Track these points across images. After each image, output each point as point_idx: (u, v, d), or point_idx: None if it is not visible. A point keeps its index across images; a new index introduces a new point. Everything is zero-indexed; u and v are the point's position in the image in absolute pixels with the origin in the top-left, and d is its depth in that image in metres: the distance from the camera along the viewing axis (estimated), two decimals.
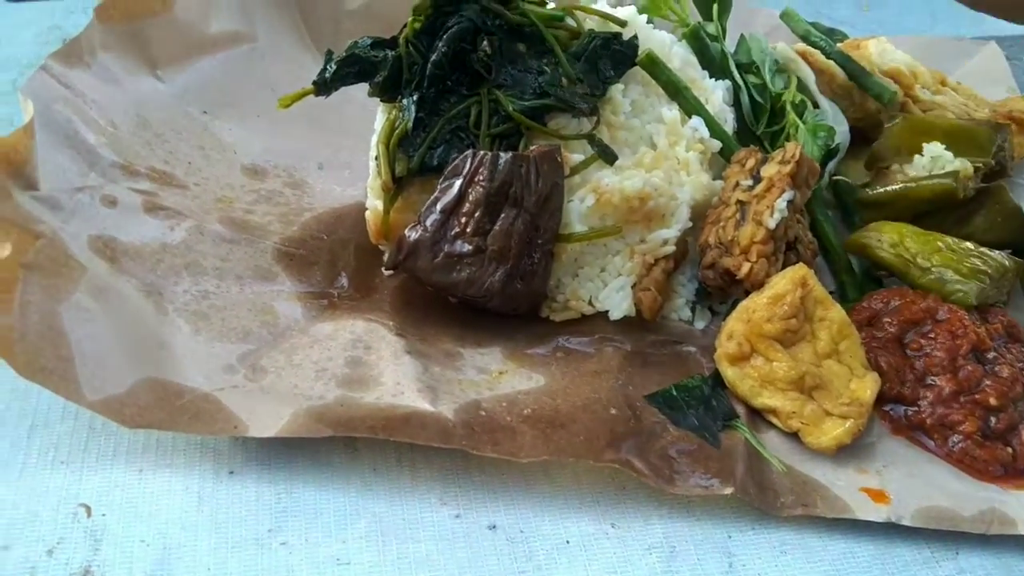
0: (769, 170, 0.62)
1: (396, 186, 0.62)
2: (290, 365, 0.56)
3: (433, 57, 0.63)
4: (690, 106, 0.67)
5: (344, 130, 0.75)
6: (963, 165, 0.68)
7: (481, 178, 0.59)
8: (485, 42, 0.63)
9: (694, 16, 0.77)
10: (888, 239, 0.64)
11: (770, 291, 0.57)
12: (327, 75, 0.64)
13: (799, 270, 0.58)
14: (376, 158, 0.64)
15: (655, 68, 0.67)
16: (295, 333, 0.58)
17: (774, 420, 0.56)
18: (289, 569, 0.47)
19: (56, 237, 0.55)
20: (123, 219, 0.60)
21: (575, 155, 0.63)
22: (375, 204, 0.65)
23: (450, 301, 0.63)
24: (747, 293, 0.62)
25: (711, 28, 0.75)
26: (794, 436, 0.56)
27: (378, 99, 0.65)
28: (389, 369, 0.56)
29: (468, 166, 0.59)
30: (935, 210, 0.67)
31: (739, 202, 0.62)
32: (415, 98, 0.63)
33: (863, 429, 0.56)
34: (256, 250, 0.63)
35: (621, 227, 0.62)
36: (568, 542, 0.50)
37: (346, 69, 0.64)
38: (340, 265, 0.65)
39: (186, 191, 0.66)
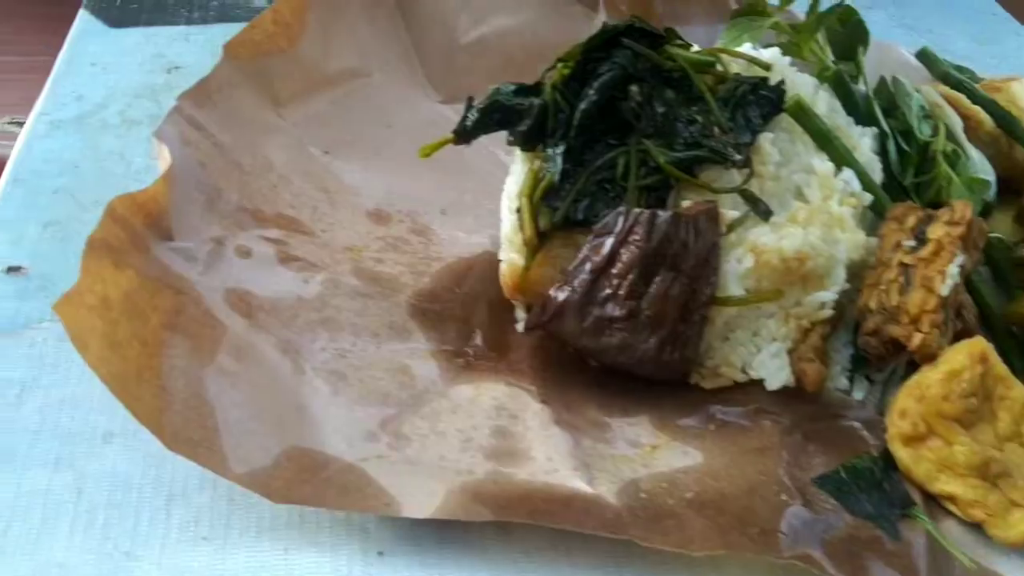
0: (936, 231, 0.57)
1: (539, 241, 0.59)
2: (434, 433, 0.52)
3: (582, 105, 0.59)
4: (839, 156, 0.63)
5: (465, 172, 0.71)
6: None
7: (636, 237, 0.55)
8: (635, 89, 0.60)
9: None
10: None
11: (945, 366, 0.53)
12: (468, 123, 0.61)
13: (977, 344, 0.54)
14: (517, 210, 0.60)
15: (803, 115, 0.62)
16: (434, 396, 0.55)
17: (952, 508, 0.52)
18: None
19: (195, 293, 0.52)
20: (258, 271, 0.57)
21: (730, 211, 0.59)
22: (512, 258, 0.61)
23: (590, 363, 0.59)
24: (910, 362, 0.59)
25: (848, 68, 0.71)
26: (975, 525, 0.52)
27: (517, 147, 0.62)
28: (538, 441, 0.52)
29: (621, 224, 0.56)
30: None
31: (902, 264, 0.57)
32: (562, 148, 0.59)
33: None
34: (391, 304, 0.60)
35: (783, 291, 0.58)
36: None
37: (488, 117, 0.61)
38: (474, 321, 0.61)
39: (314, 238, 0.63)
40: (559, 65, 0.62)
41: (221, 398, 0.48)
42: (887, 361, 0.59)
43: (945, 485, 0.52)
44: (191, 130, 0.60)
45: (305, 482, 0.48)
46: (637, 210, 0.56)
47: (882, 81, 0.72)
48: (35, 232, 0.65)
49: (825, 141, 0.63)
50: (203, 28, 0.89)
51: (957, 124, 0.70)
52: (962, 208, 0.58)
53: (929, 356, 0.55)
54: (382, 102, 0.75)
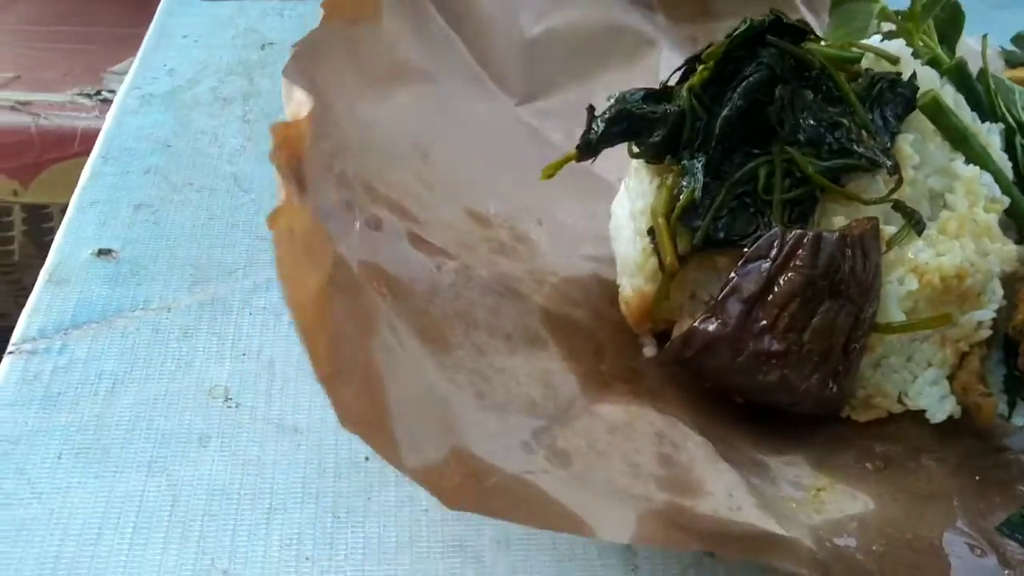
0: None
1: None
2: (595, 452, 0.46)
3: (725, 112, 0.53)
4: (977, 157, 0.57)
5: (552, 183, 0.62)
6: None
7: (799, 263, 0.48)
8: (781, 91, 0.54)
9: None
10: None
11: None
12: (593, 136, 0.55)
13: None
14: (650, 232, 0.54)
15: (940, 113, 0.56)
16: (582, 413, 0.49)
17: None
18: None
19: (343, 258, 0.44)
20: (389, 246, 0.51)
21: (889, 227, 0.53)
22: (637, 284, 0.55)
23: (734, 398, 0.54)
24: None
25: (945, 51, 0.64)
26: None
27: (642, 159, 0.56)
28: (710, 476, 0.46)
29: (778, 247, 0.49)
30: None
31: None
32: (703, 161, 0.53)
33: None
34: (525, 308, 0.54)
35: (951, 315, 0.52)
36: None
37: (615, 128, 0.55)
38: (600, 340, 0.55)
39: (423, 227, 0.56)
40: (699, 67, 0.56)
41: (389, 376, 0.41)
42: None
43: None
44: (311, 84, 0.52)
45: (471, 488, 0.40)
46: (798, 231, 0.50)
47: (983, 72, 0.64)
48: (126, 214, 0.61)
49: (962, 141, 0.57)
50: (297, 3, 0.85)
51: None
52: None
53: None
54: (456, 107, 0.69)
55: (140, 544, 0.44)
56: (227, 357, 0.53)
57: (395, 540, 0.45)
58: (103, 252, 0.58)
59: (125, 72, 2.02)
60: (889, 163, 0.53)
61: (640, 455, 0.47)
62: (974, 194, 0.56)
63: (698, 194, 0.53)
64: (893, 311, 0.52)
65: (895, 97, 0.56)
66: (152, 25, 0.80)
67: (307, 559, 0.44)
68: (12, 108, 1.76)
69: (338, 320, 0.40)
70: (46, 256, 0.61)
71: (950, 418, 0.53)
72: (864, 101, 0.56)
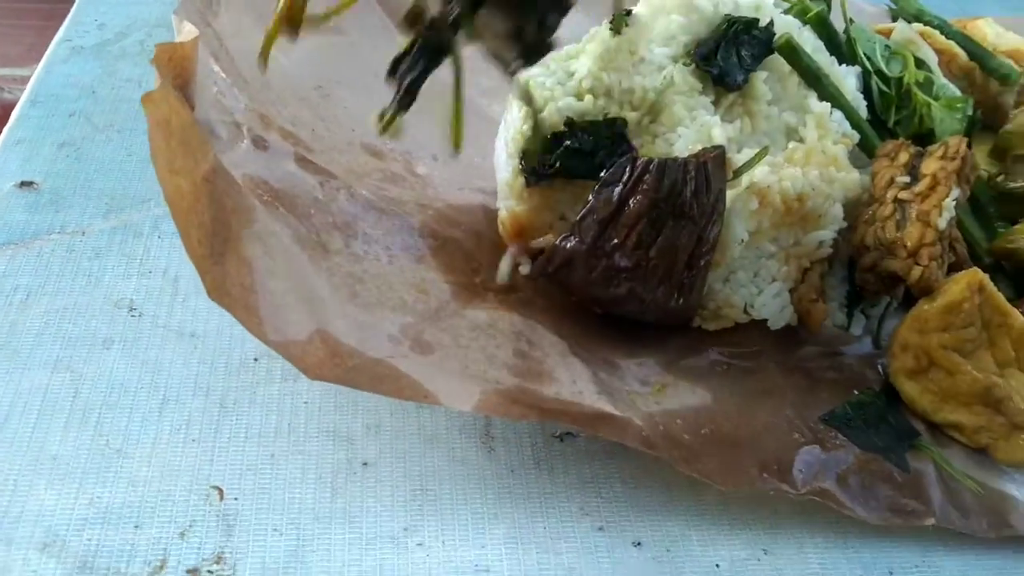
0: (930, 166, 0.57)
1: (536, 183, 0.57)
2: (457, 346, 0.51)
3: None
4: (828, 95, 0.62)
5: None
6: None
7: (646, 187, 0.53)
8: None
9: None
10: None
11: (944, 298, 0.52)
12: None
13: (975, 275, 0.53)
14: (521, 155, 0.58)
15: (794, 54, 0.61)
16: (452, 315, 0.54)
17: (957, 436, 0.52)
18: (427, 571, 0.44)
19: (223, 164, 0.50)
20: (274, 164, 0.55)
21: (737, 155, 0.58)
22: (510, 204, 0.60)
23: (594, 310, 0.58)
24: (906, 295, 0.58)
25: (818, 5, 0.70)
26: (979, 452, 0.52)
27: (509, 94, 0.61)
28: (560, 367, 0.51)
29: (629, 172, 0.54)
30: None
31: (898, 200, 0.56)
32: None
33: None
34: (404, 225, 0.59)
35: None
36: (718, 566, 0.46)
37: None
38: (478, 257, 0.60)
39: (314, 154, 0.60)
40: None
41: (258, 263, 0.47)
42: (884, 295, 0.58)
43: (950, 414, 0.52)
44: (203, 24, 0.58)
45: (337, 365, 0.46)
46: (646, 158, 0.54)
47: (848, 24, 0.70)
48: (49, 151, 0.65)
49: (815, 80, 0.62)
50: None
51: (932, 58, 0.69)
52: (957, 143, 0.58)
53: (927, 289, 0.54)
54: (366, 57, 0.72)
55: (43, 428, 0.48)
56: (134, 274, 0.57)
57: (275, 427, 0.49)
58: (25, 184, 0.62)
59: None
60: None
61: (498, 349, 0.52)
62: (824, 128, 0.61)
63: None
64: (738, 229, 0.57)
65: (751, 39, 0.62)
66: None
67: (193, 441, 0.48)
68: None
69: (214, 210, 0.46)
70: None
71: (792, 327, 0.58)
72: (719, 42, 0.61)
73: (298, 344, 0.45)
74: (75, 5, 0.81)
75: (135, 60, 0.75)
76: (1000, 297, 0.53)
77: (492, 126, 0.68)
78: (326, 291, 0.50)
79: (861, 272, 0.57)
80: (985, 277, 0.53)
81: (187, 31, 0.53)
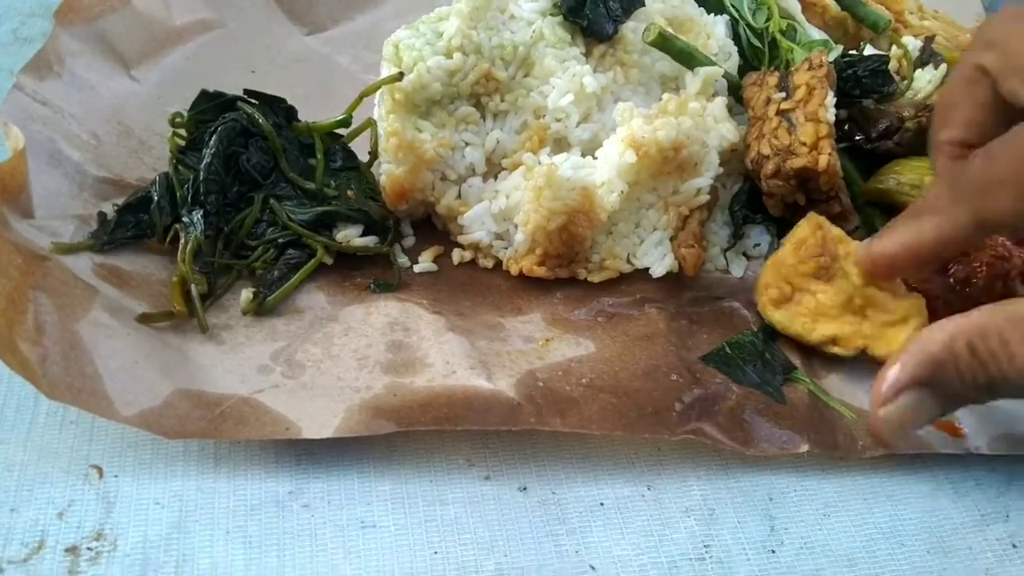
0: (801, 78, 0.60)
1: None
2: (328, 357, 0.51)
3: (205, 161, 0.57)
4: (705, 64, 0.63)
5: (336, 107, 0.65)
6: None
7: None
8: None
9: None
10: (908, 181, 0.61)
11: (792, 239, 0.55)
12: (106, 236, 0.56)
13: (812, 217, 0.56)
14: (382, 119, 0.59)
15: (666, 44, 0.62)
16: (325, 322, 0.53)
17: (836, 350, 0.54)
18: (312, 532, 0.44)
19: (62, 262, 0.51)
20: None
21: (617, 105, 0.60)
22: (388, 169, 0.59)
23: (480, 272, 0.59)
24: (809, 202, 0.60)
25: None
26: (856, 380, 0.54)
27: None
28: (434, 349, 0.51)
29: None
30: None
31: (781, 112, 0.59)
32: (200, 213, 0.56)
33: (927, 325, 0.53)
34: None
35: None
36: (603, 504, 0.47)
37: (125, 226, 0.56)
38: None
39: None
40: (170, 134, 0.58)
41: (99, 348, 0.47)
42: (794, 197, 0.60)
43: (824, 329, 0.54)
44: (37, 106, 0.57)
45: (200, 418, 0.46)
46: None
47: None
48: None
49: (690, 58, 0.63)
50: None
51: (795, 7, 0.71)
52: (818, 55, 0.62)
53: (836, 172, 0.58)
54: (243, 48, 0.72)
55: None
56: None
57: None
58: None
59: None
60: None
61: (371, 347, 0.52)
62: (708, 84, 0.62)
63: (200, 240, 0.54)
64: (617, 183, 0.57)
65: None
66: None
67: (72, 423, 0.47)
68: None
69: (38, 314, 0.47)
70: None
71: (675, 274, 0.59)
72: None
73: (154, 411, 0.46)
74: None
75: (8, 49, 0.73)
76: (838, 230, 0.55)
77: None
78: (193, 350, 0.51)
79: (767, 180, 0.59)
80: (821, 218, 0.56)
81: (14, 136, 0.53)
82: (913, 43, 0.68)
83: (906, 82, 0.67)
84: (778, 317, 0.55)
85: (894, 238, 0.46)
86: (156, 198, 0.55)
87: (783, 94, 0.61)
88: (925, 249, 0.45)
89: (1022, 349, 0.39)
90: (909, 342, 0.43)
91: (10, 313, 0.45)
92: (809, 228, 0.55)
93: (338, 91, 0.69)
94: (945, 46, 0.74)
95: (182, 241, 0.54)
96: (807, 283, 0.54)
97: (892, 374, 0.42)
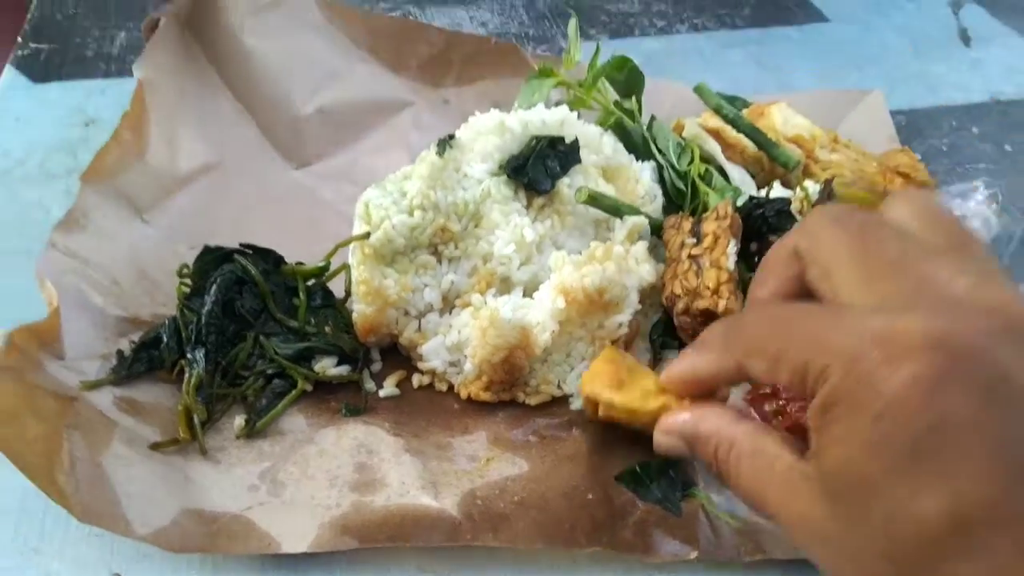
0: (709, 227, 0.70)
1: None
2: (305, 476, 0.61)
3: (206, 308, 0.68)
4: (631, 212, 0.74)
5: (323, 239, 0.76)
6: None
7: None
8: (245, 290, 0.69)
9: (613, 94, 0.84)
10: None
11: (592, 370, 0.62)
12: (124, 371, 0.66)
13: (607, 351, 0.63)
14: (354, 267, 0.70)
15: (595, 201, 0.73)
16: (304, 444, 0.63)
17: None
18: None
19: (87, 399, 0.61)
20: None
21: (555, 251, 0.71)
22: (360, 309, 0.69)
23: (436, 394, 0.70)
24: None
25: (628, 104, 0.83)
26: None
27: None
28: (392, 469, 0.61)
29: None
30: None
31: (692, 256, 0.69)
32: (201, 351, 0.67)
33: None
34: None
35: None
36: None
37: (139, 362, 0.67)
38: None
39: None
40: (179, 283, 0.69)
41: (119, 476, 0.57)
42: (699, 331, 0.68)
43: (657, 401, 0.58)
44: (67, 259, 0.67)
45: (200, 534, 0.56)
46: None
47: (651, 120, 0.81)
48: None
49: (616, 211, 0.73)
50: (119, 80, 0.95)
51: (716, 149, 0.81)
52: (724, 206, 0.71)
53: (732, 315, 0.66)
54: (238, 184, 0.81)
55: None
56: None
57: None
58: None
59: None
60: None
61: (340, 468, 0.62)
62: (633, 232, 0.73)
63: (202, 375, 0.65)
64: (550, 323, 0.67)
65: (555, 153, 0.73)
66: None
67: (97, 536, 0.57)
68: None
69: (73, 450, 0.57)
70: None
71: None
72: (528, 157, 0.73)
73: (164, 529, 0.55)
74: None
75: (37, 184, 0.82)
76: (630, 359, 0.62)
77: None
78: (193, 471, 0.61)
79: (678, 316, 0.69)
80: (615, 351, 0.63)
81: (49, 293, 0.64)
82: (813, 187, 0.79)
83: None
84: (619, 400, 0.60)
85: (681, 364, 0.50)
86: (165, 338, 0.66)
87: (694, 239, 0.71)
88: (703, 379, 0.49)
89: (742, 473, 0.44)
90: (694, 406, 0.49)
91: (49, 452, 0.55)
92: (604, 361, 0.61)
93: (321, 221, 0.81)
94: (848, 180, 0.86)
95: (187, 375, 0.65)
96: (621, 379, 0.60)
97: (667, 422, 0.49)
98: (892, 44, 1.20)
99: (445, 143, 0.72)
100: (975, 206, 0.86)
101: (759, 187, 0.83)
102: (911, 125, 1.04)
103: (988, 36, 1.24)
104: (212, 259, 0.69)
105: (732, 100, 0.92)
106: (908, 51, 1.19)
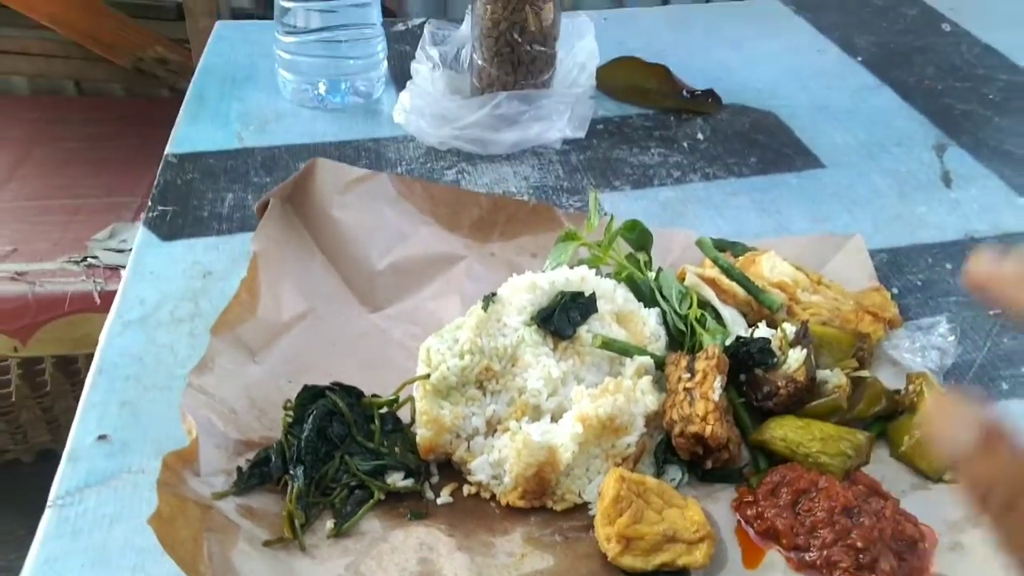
0: (700, 364, 0.87)
1: None
2: (380, 568, 0.77)
3: (304, 435, 0.87)
4: (639, 353, 0.93)
5: (392, 370, 0.96)
6: (840, 379, 0.92)
7: None
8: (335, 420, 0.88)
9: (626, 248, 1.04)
10: (778, 435, 0.88)
11: (607, 496, 0.80)
12: (242, 484, 0.84)
13: (614, 471, 0.81)
14: (420, 399, 0.89)
15: (608, 345, 0.92)
16: (379, 542, 0.80)
17: (667, 568, 0.77)
18: None
19: (218, 507, 0.79)
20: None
21: (576, 386, 0.89)
22: (423, 433, 0.87)
23: (482, 502, 0.87)
24: (709, 454, 0.86)
25: (641, 256, 1.02)
26: None
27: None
28: (447, 564, 0.78)
29: None
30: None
31: (686, 389, 0.87)
32: (301, 468, 0.85)
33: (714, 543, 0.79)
34: None
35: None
36: None
37: (253, 477, 0.86)
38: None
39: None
40: (283, 414, 0.87)
41: (243, 568, 0.73)
42: (694, 455, 0.87)
43: (655, 560, 0.77)
44: (199, 395, 0.85)
45: None
46: None
47: (659, 272, 1.01)
48: (115, 410, 0.90)
49: (626, 352, 0.92)
50: (229, 238, 1.14)
51: (711, 295, 0.99)
52: (712, 348, 0.88)
53: (719, 439, 0.83)
54: (326, 328, 0.99)
55: None
56: None
57: None
58: (101, 437, 0.87)
59: (106, 239, 2.39)
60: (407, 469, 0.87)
61: (407, 562, 0.79)
62: (640, 369, 0.91)
63: (301, 487, 0.83)
64: (571, 445, 0.85)
65: (576, 305, 0.92)
66: (128, 265, 1.08)
67: None
68: (11, 278, 2.13)
69: (211, 548, 0.74)
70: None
71: None
72: (553, 310, 0.93)
73: None
74: (121, 285, 1.09)
75: (167, 328, 1.00)
76: (633, 474, 0.80)
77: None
78: (291, 563, 0.78)
79: (675, 438, 0.86)
80: (622, 470, 0.81)
81: (190, 424, 0.83)
82: (790, 329, 0.97)
83: (784, 357, 0.95)
84: (627, 562, 0.77)
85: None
86: (273, 458, 0.85)
87: (689, 375, 0.89)
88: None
89: None
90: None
91: (194, 548, 0.72)
92: (615, 483, 0.78)
93: (392, 357, 1.00)
94: (824, 318, 1.03)
95: (290, 487, 0.84)
96: (634, 531, 0.77)
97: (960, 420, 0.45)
98: (880, 187, 1.36)
99: (489, 299, 0.92)
100: (936, 339, 1.03)
101: (749, 325, 1.00)
102: (892, 263, 1.19)
103: (969, 177, 1.40)
104: (309, 395, 0.88)
105: (733, 245, 1.11)
106: (894, 193, 1.35)
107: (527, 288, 0.93)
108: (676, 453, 0.90)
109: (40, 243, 2.30)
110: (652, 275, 1.02)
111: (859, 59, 1.76)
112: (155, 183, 1.31)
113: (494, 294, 0.93)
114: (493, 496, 0.88)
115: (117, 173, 2.55)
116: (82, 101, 3.00)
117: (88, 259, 2.23)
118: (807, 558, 0.82)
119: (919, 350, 1.01)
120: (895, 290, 1.13)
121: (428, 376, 0.88)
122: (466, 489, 0.89)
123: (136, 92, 2.92)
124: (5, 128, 2.77)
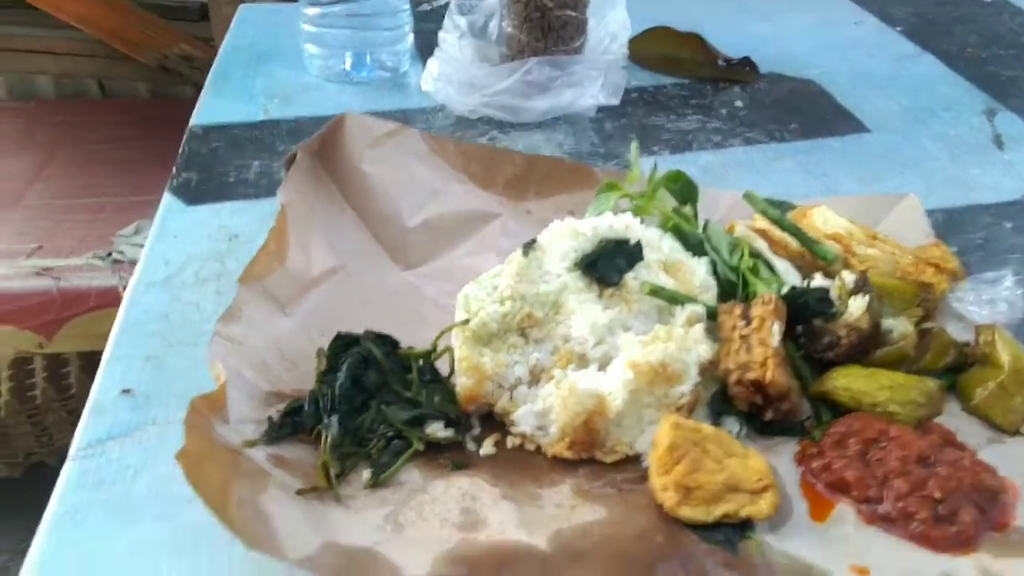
0: (757, 311, 0.83)
1: None
2: (420, 519, 0.73)
3: (339, 383, 0.84)
4: (688, 301, 0.87)
5: (422, 323, 0.92)
6: (907, 328, 0.87)
7: None
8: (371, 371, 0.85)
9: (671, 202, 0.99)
10: (842, 385, 0.83)
11: (662, 446, 0.75)
12: (273, 433, 0.80)
13: (667, 419, 0.76)
14: (458, 347, 0.85)
15: (657, 294, 0.87)
16: (418, 492, 0.76)
17: (729, 521, 0.72)
18: None
19: (247, 454, 0.75)
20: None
21: (623, 332, 0.84)
22: (463, 382, 0.82)
23: (527, 454, 0.82)
24: (769, 405, 0.81)
25: (687, 210, 0.97)
26: (791, 536, 0.73)
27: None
28: (492, 512, 0.73)
29: None
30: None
31: (742, 337, 0.82)
32: (335, 417, 0.81)
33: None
34: None
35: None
36: None
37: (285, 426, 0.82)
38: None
39: None
40: (316, 361, 0.83)
41: (274, 512, 0.69)
42: (751, 405, 0.82)
43: (717, 511, 0.72)
44: (228, 344, 0.82)
45: (340, 562, 0.67)
46: None
47: (707, 224, 0.96)
48: (139, 364, 0.87)
49: (674, 300, 0.87)
50: (255, 202, 1.12)
51: (763, 246, 0.94)
52: (768, 294, 0.84)
53: (779, 385, 0.78)
54: (358, 285, 0.96)
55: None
56: None
57: None
58: (125, 391, 0.84)
59: (131, 235, 2.36)
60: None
61: (449, 512, 0.74)
62: (691, 318, 0.86)
63: (336, 437, 0.78)
64: (620, 392, 0.80)
65: (621, 252, 0.87)
66: (152, 230, 1.06)
67: None
68: (37, 274, 2.11)
69: (240, 492, 0.70)
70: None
71: None
72: (598, 256, 0.88)
73: (311, 556, 0.67)
74: (146, 248, 1.08)
75: (192, 288, 0.97)
76: (689, 421, 0.76)
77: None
78: (326, 512, 0.73)
79: (733, 386, 0.81)
80: (677, 417, 0.76)
81: (218, 371, 0.79)
82: (849, 277, 0.91)
83: (844, 306, 0.90)
84: (687, 513, 0.72)
85: None
86: (306, 407, 0.81)
87: (744, 322, 0.84)
88: None
89: None
90: None
91: (224, 492, 0.68)
92: (670, 430, 0.74)
93: (426, 315, 0.96)
94: (883, 271, 0.97)
95: (324, 437, 0.79)
96: (692, 479, 0.72)
97: None
98: (930, 150, 1.31)
99: (529, 246, 0.87)
100: (1002, 291, 0.96)
101: (803, 279, 0.94)
102: (948, 222, 1.14)
103: (1021, 139, 1.34)
104: (343, 343, 0.83)
105: (779, 204, 1.05)
106: (945, 156, 1.29)
107: (570, 234, 0.88)
108: (732, 404, 0.84)
109: (65, 240, 2.29)
110: (699, 227, 0.96)
111: (898, 29, 1.71)
112: (180, 152, 1.27)
113: (534, 240, 0.88)
114: (538, 448, 0.83)
115: (142, 172, 2.53)
116: (106, 103, 3.00)
117: (113, 255, 2.20)
118: (880, 510, 0.75)
119: (986, 303, 0.95)
120: (955, 249, 1.07)
121: (467, 322, 0.83)
122: (510, 441, 0.84)
123: (160, 92, 2.91)
124: (31, 132, 2.77)
